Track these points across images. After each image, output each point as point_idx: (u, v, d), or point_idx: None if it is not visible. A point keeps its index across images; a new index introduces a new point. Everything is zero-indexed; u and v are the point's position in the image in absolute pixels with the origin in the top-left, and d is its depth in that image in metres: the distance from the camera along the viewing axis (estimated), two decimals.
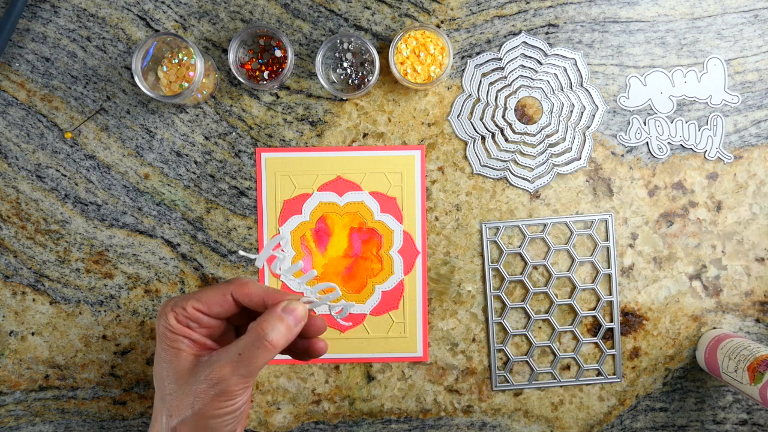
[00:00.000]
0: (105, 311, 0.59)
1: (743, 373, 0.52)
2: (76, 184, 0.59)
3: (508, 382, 0.60)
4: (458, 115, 0.59)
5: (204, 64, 0.55)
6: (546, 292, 0.60)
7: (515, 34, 0.59)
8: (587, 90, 0.59)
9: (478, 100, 0.59)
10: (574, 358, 0.60)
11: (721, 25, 0.59)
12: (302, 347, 0.49)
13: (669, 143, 0.59)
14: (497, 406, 0.60)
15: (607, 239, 0.60)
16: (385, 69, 0.58)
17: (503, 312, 0.60)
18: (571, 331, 0.60)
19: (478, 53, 0.59)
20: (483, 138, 0.60)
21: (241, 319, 0.49)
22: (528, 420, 0.60)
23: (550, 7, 0.59)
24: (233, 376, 0.43)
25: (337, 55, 0.58)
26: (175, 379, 0.45)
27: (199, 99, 0.58)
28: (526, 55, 0.59)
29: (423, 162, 0.59)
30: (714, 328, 0.60)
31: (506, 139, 0.60)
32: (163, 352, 0.45)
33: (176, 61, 0.56)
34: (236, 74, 0.57)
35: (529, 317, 0.60)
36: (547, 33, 0.59)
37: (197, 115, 0.59)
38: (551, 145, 0.60)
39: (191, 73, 0.56)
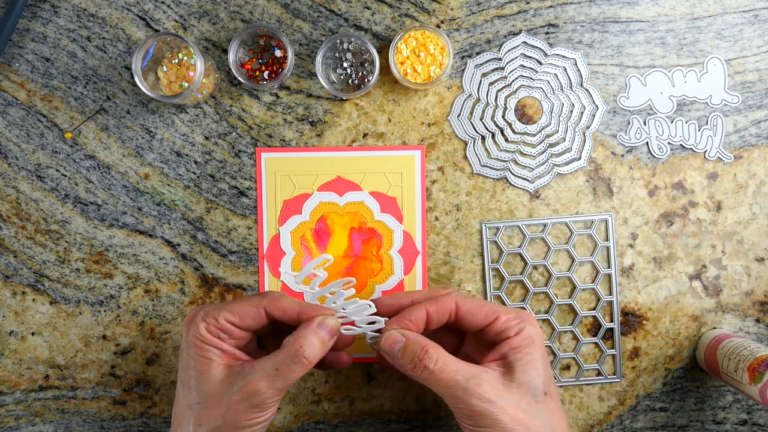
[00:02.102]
0: (105, 311, 0.60)
1: (743, 373, 0.52)
2: (76, 184, 0.59)
3: None
4: (458, 115, 0.59)
5: (204, 64, 0.55)
6: (546, 292, 0.60)
7: (515, 34, 0.59)
8: (587, 90, 0.59)
9: (478, 100, 0.59)
10: (574, 358, 0.60)
11: (721, 25, 0.59)
12: (328, 359, 0.50)
13: (669, 143, 0.59)
14: None
15: (607, 239, 0.60)
16: (385, 69, 0.58)
17: None
18: (571, 331, 0.60)
19: (478, 53, 0.59)
20: (483, 138, 0.60)
21: (265, 329, 0.49)
22: None
23: (550, 7, 0.59)
24: (269, 390, 0.44)
25: (337, 55, 0.58)
26: (204, 389, 0.45)
27: (199, 99, 0.58)
28: (526, 55, 0.59)
29: (423, 162, 0.59)
30: (714, 328, 0.60)
31: (506, 139, 0.60)
32: (192, 361, 0.46)
33: (176, 61, 0.56)
34: (236, 74, 0.57)
35: None
36: (547, 33, 0.59)
37: (197, 115, 0.59)
38: (551, 145, 0.60)
39: (191, 73, 0.56)
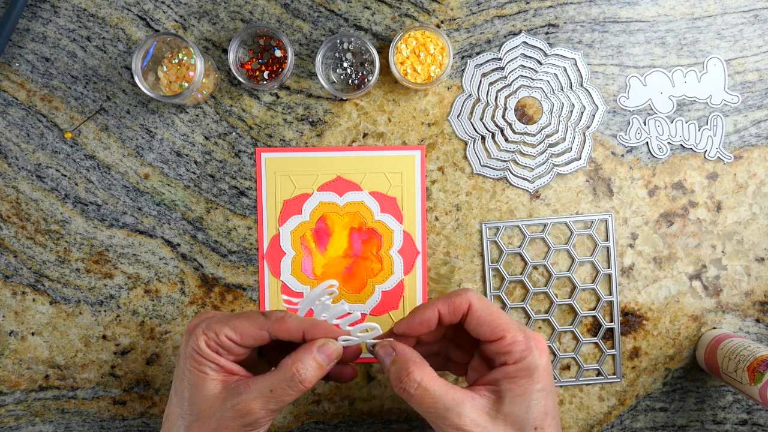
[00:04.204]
0: (105, 311, 0.60)
1: (743, 373, 0.52)
2: (76, 184, 0.59)
3: None
4: (458, 115, 0.59)
5: (204, 64, 0.55)
6: (546, 292, 0.60)
7: (515, 34, 0.59)
8: (587, 90, 0.59)
9: (478, 100, 0.59)
10: (574, 358, 0.60)
11: (721, 25, 0.59)
12: (333, 372, 0.50)
13: (669, 143, 0.59)
14: None
15: (607, 239, 0.60)
16: (385, 69, 0.58)
17: None
18: (571, 331, 0.60)
19: (478, 53, 0.59)
20: (483, 138, 0.60)
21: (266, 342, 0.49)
22: None
23: (550, 7, 0.59)
24: (262, 410, 0.44)
25: (337, 55, 0.58)
26: (197, 402, 0.45)
27: (199, 99, 0.58)
28: (526, 55, 0.59)
29: (423, 162, 0.59)
30: (714, 328, 0.60)
31: (506, 139, 0.60)
32: (187, 372, 0.45)
33: (176, 61, 0.56)
34: (236, 74, 0.57)
35: (529, 317, 0.60)
36: (547, 33, 0.59)
37: (197, 115, 0.59)
38: (551, 145, 0.60)
39: (191, 73, 0.56)
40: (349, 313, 0.47)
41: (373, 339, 0.48)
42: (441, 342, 0.52)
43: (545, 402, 0.44)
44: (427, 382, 0.43)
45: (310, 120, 0.59)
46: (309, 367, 0.45)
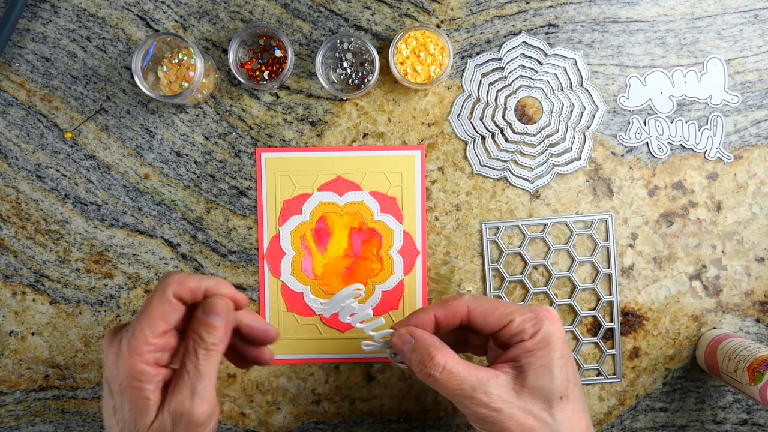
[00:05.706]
0: (105, 311, 0.60)
1: (743, 373, 0.52)
2: (76, 184, 0.59)
3: None
4: (458, 115, 0.59)
5: (204, 64, 0.55)
6: (546, 292, 0.60)
7: (515, 34, 0.59)
8: (587, 90, 0.59)
9: (478, 100, 0.59)
10: (574, 358, 0.60)
11: (721, 25, 0.59)
12: (251, 355, 0.48)
13: (669, 143, 0.59)
14: None
15: (607, 239, 0.60)
16: (385, 69, 0.58)
17: None
18: (571, 331, 0.60)
19: (478, 53, 0.59)
20: (483, 138, 0.60)
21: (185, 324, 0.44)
22: None
23: (550, 7, 0.59)
24: (193, 402, 0.40)
25: (337, 55, 0.58)
26: (143, 427, 0.40)
27: (199, 99, 0.58)
28: (526, 55, 0.59)
29: (423, 162, 0.59)
30: (714, 328, 0.60)
31: (506, 139, 0.60)
32: (126, 403, 0.40)
33: (176, 61, 0.56)
34: (236, 74, 0.57)
35: None
36: (547, 33, 0.59)
37: (197, 115, 0.59)
38: (551, 145, 0.60)
39: (191, 73, 0.56)
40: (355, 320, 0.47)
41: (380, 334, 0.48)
42: (457, 330, 0.51)
43: (566, 369, 0.44)
44: (451, 364, 0.44)
45: (310, 120, 0.59)
46: (207, 328, 0.41)
